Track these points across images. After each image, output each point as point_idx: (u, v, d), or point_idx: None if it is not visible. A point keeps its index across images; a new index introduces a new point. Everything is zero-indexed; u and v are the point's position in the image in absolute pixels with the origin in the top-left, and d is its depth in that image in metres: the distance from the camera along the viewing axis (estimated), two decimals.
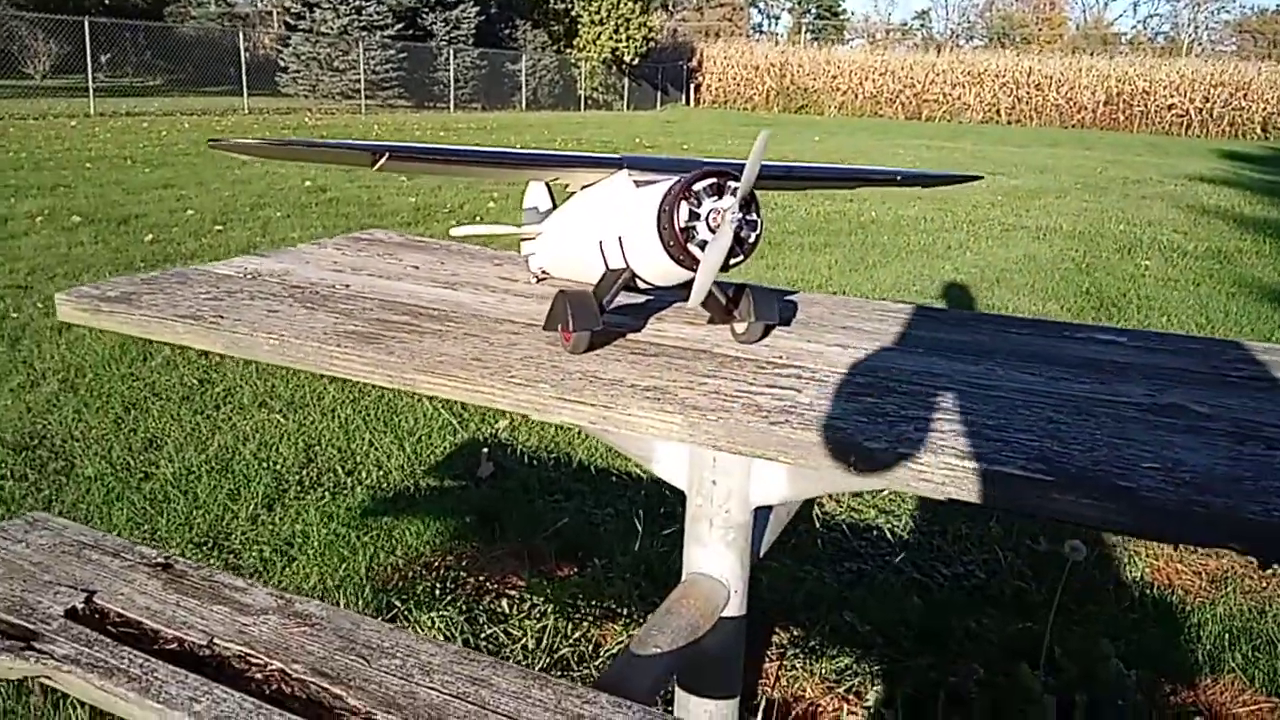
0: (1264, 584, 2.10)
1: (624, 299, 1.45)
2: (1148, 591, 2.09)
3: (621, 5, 28.98)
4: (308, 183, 8.20)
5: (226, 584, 1.27)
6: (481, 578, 1.99)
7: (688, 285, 1.25)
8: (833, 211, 8.91)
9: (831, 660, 1.78)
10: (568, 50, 29.12)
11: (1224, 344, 1.41)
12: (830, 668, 1.76)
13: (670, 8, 60.91)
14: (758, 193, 1.13)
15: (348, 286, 1.50)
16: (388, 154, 1.08)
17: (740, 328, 1.28)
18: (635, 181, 1.19)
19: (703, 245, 1.09)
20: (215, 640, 1.16)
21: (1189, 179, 13.37)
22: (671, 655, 1.25)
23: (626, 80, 30.69)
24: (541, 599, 1.89)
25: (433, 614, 1.79)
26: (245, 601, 1.23)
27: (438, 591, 1.92)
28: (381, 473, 2.59)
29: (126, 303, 1.35)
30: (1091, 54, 35.68)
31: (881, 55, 36.89)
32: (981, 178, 1.79)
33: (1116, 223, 8.69)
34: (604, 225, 1.23)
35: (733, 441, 1.02)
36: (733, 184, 1.10)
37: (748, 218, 1.14)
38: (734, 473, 1.32)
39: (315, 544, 2.18)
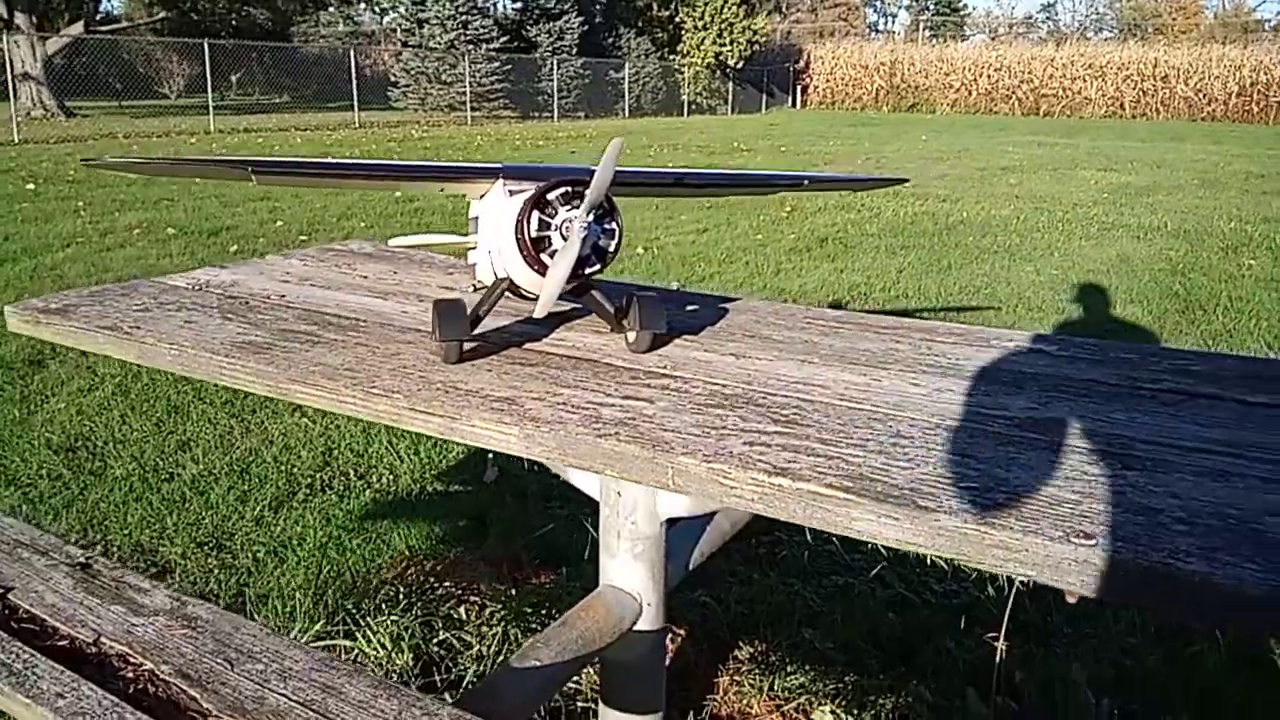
0: None
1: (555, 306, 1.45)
2: (1153, 616, 1.96)
3: (725, 10, 28.89)
4: (398, 194, 8.45)
5: (132, 585, 1.32)
6: (448, 583, 2.02)
7: (569, 294, 1.25)
8: (921, 212, 8.67)
9: (786, 677, 1.73)
10: (671, 56, 29.20)
11: (1168, 353, 1.31)
12: (784, 685, 1.71)
13: (783, 10, 60.42)
14: (669, 199, 1.11)
15: (282, 297, 1.54)
16: (251, 169, 1.11)
17: (631, 337, 1.26)
18: (510, 191, 1.18)
19: (555, 255, 1.08)
20: (102, 639, 1.21)
21: None
22: (552, 669, 1.24)
23: (730, 84, 30.57)
24: (499, 606, 1.91)
25: (388, 619, 1.83)
26: (142, 603, 1.28)
27: (401, 596, 1.95)
28: (392, 476, 2.65)
29: (62, 314, 1.42)
30: (1227, 43, 33.71)
31: (997, 50, 35.73)
32: (908, 180, 1.71)
33: (1228, 220, 8.18)
34: (489, 236, 1.23)
35: (563, 454, 1.01)
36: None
37: (606, 226, 1.12)
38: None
39: (310, 546, 2.24)
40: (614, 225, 1.11)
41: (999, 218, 8.34)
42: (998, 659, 1.54)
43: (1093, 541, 0.77)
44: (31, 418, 3.02)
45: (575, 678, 1.72)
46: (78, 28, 21.09)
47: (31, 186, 7.75)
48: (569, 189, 1.09)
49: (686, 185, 1.29)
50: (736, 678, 1.73)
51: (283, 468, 2.69)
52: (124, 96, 23.41)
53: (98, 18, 23.98)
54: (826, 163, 13.92)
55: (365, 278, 1.70)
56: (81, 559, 1.38)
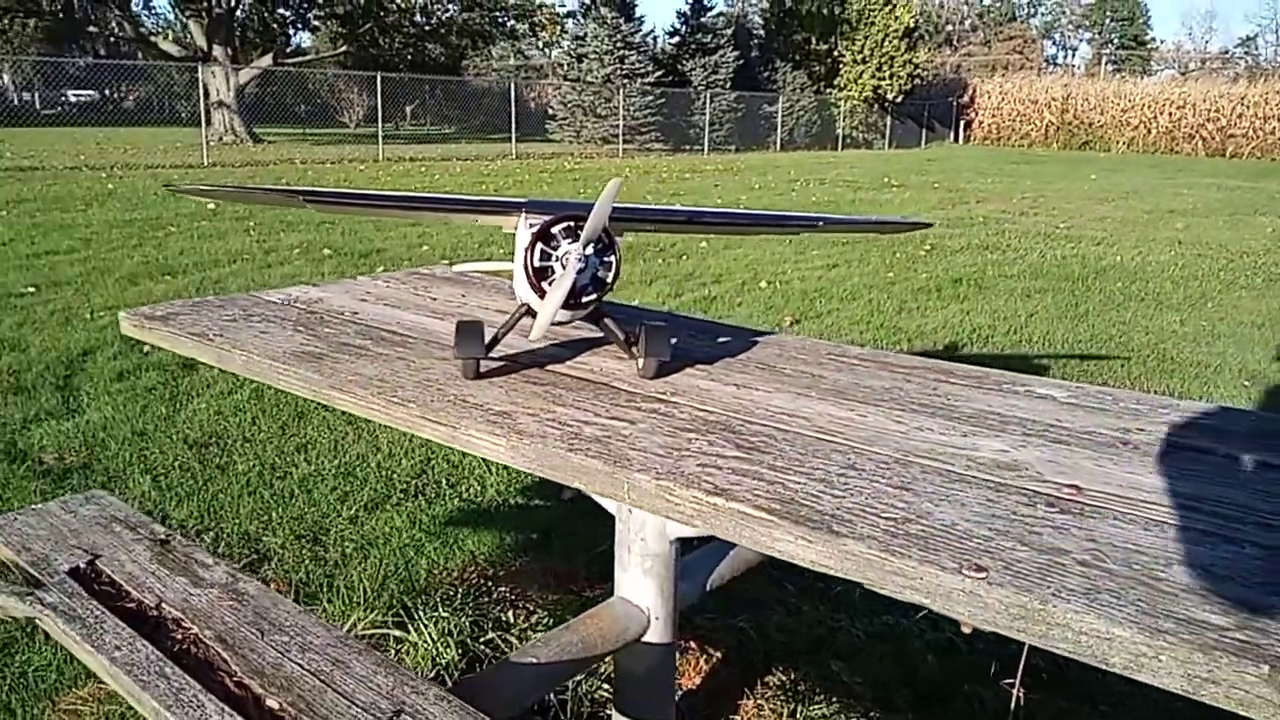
0: None
1: (591, 333, 1.55)
2: None
3: (885, 43, 28.58)
4: None
5: (198, 560, 1.50)
6: (503, 589, 2.14)
7: (586, 321, 1.35)
8: (1070, 255, 8.36)
9: (810, 707, 1.76)
10: (828, 90, 29.09)
11: (1181, 407, 1.29)
12: (806, 714, 1.74)
13: (954, 43, 59.09)
14: (689, 235, 1.20)
15: (355, 314, 1.70)
16: (304, 197, 1.26)
17: (640, 363, 1.35)
18: (530, 224, 1.30)
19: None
20: (163, 604, 1.38)
21: None
22: (549, 668, 1.33)
23: (889, 118, 30.16)
24: (546, 613, 2.01)
25: (439, 614, 1.96)
26: (203, 576, 1.45)
27: (458, 596, 2.08)
28: (480, 488, 2.81)
29: (163, 321, 1.62)
30: None
31: (1181, 87, 33.85)
32: (932, 225, 1.71)
33: None
34: (515, 265, 1.34)
35: (541, 465, 1.10)
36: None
37: (605, 259, 1.22)
38: None
39: (393, 544, 2.41)
40: (612, 258, 1.21)
41: (1155, 264, 7.94)
42: (1013, 706, 1.52)
43: (983, 574, 0.80)
44: (176, 415, 3.35)
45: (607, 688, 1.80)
46: (267, 59, 22.91)
47: (212, 207, 8.50)
48: (571, 224, 1.19)
49: (699, 223, 1.37)
50: (760, 702, 1.77)
51: (383, 472, 2.89)
52: (308, 124, 25.20)
53: (287, 50, 25.95)
54: (979, 200, 13.56)
55: (434, 299, 1.85)
56: (163, 535, 1.57)
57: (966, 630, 0.88)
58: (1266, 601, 0.75)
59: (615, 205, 1.25)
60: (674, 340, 1.42)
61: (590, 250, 1.19)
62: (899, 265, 7.37)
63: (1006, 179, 17.69)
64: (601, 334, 1.52)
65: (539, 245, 1.19)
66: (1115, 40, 62.38)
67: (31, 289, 5.28)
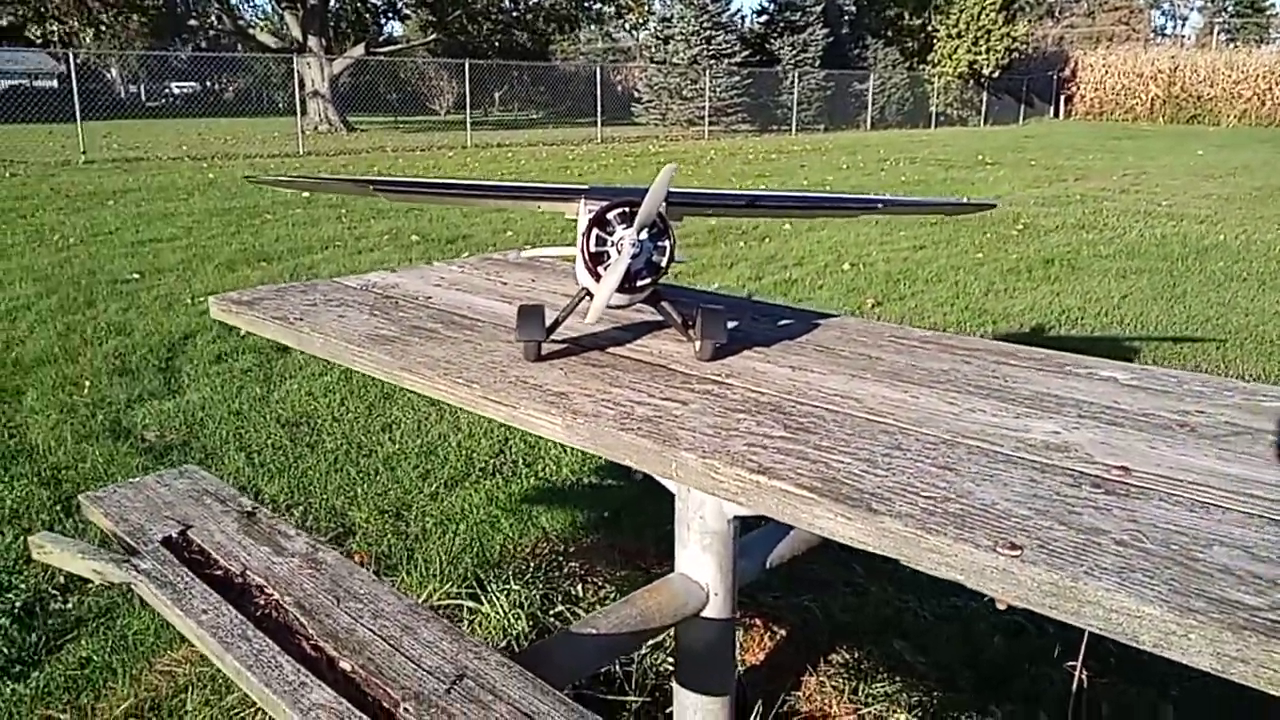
0: None
1: (651, 316, 1.58)
2: None
3: (982, 16, 27.77)
4: None
5: (281, 531, 1.58)
6: (574, 564, 2.20)
7: (646, 304, 1.38)
8: (1171, 233, 8.04)
9: (873, 685, 1.77)
10: (921, 66, 28.41)
11: (1249, 389, 1.26)
12: (868, 691, 1.75)
13: (1056, 14, 57.02)
14: (735, 218, 1.23)
15: (428, 299, 1.77)
16: (373, 186, 1.32)
17: (696, 346, 1.37)
18: (590, 210, 1.33)
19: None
20: (247, 571, 1.47)
21: None
22: (608, 639, 1.37)
23: (985, 94, 29.31)
24: (614, 588, 2.06)
25: (511, 587, 2.03)
26: (285, 546, 1.53)
27: (530, 570, 2.15)
28: (555, 467, 2.87)
29: (249, 305, 1.71)
30: None
31: None
32: (995, 205, 1.68)
33: None
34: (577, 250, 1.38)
35: (594, 443, 1.14)
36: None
37: (659, 244, 1.25)
38: None
39: (470, 520, 2.50)
40: (665, 243, 1.23)
41: (1261, 242, 7.59)
42: (1074, 688, 1.51)
43: (1017, 552, 0.81)
44: (270, 396, 3.51)
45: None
46: (360, 49, 23.47)
47: (306, 195, 8.79)
48: (626, 210, 1.22)
49: (760, 207, 1.38)
50: (823, 679, 1.79)
51: (464, 452, 2.98)
52: (399, 112, 25.75)
53: (379, 39, 26.53)
54: (1077, 178, 13.13)
55: (505, 284, 1.90)
56: (249, 508, 1.66)
57: (1002, 607, 0.89)
58: None
59: (672, 190, 1.28)
60: (733, 324, 1.45)
61: (644, 235, 1.22)
62: (988, 246, 7.20)
63: (1108, 155, 17.07)
64: (662, 317, 1.56)
65: (594, 231, 1.23)
66: (1230, 7, 59.29)
67: (136, 275, 5.56)
